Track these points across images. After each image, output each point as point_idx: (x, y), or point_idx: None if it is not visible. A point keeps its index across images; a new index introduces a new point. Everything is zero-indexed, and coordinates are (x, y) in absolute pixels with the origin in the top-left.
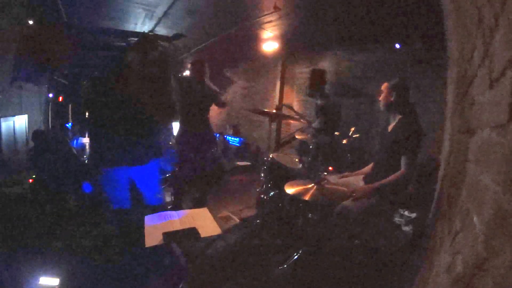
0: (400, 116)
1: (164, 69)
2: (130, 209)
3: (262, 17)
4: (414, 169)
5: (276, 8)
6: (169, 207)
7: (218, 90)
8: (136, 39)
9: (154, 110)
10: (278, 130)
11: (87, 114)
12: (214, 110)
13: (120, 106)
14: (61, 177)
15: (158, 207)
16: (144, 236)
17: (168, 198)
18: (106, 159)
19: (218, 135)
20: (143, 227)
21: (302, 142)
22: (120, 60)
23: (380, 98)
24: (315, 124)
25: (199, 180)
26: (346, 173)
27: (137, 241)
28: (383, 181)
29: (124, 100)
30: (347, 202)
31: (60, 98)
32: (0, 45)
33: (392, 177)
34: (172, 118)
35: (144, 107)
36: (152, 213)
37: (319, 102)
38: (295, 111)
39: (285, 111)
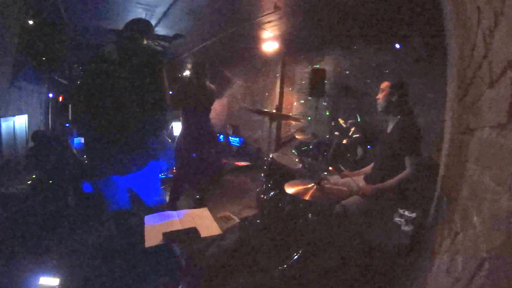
0: (398, 117)
1: (149, 60)
2: (129, 210)
3: (262, 17)
4: (419, 169)
5: (276, 8)
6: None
7: (216, 91)
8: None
9: (144, 103)
10: (278, 130)
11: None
12: (214, 110)
13: (109, 109)
14: (61, 177)
15: (158, 208)
16: (143, 236)
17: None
18: (101, 167)
19: (222, 136)
20: (143, 228)
21: (302, 142)
22: (101, 57)
23: (379, 98)
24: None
25: (199, 180)
26: (346, 172)
27: (136, 242)
28: (388, 181)
29: (113, 100)
30: (347, 202)
31: (60, 98)
32: (0, 45)
33: (397, 178)
34: (162, 111)
35: (135, 108)
36: (151, 213)
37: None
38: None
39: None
